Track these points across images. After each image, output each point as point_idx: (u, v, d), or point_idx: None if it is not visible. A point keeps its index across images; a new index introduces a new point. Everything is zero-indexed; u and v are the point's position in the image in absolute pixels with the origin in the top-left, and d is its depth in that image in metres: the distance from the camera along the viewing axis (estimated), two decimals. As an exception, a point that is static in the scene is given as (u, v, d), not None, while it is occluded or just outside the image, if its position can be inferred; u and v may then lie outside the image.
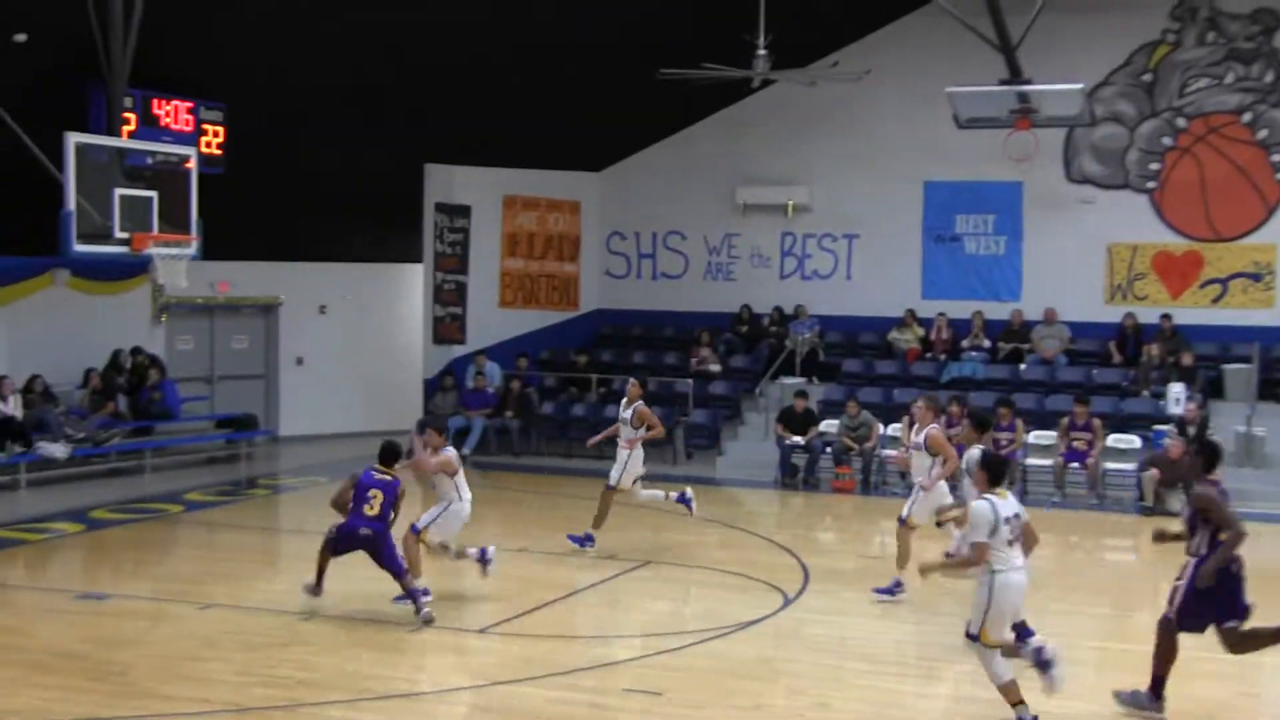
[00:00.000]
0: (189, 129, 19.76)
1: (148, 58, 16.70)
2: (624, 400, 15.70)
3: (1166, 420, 19.86)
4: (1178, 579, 9.55)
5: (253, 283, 24.03)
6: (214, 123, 20.25)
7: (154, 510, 17.83)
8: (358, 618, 12.17)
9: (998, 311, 23.22)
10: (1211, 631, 9.51)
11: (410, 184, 23.96)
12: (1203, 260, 22.51)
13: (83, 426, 20.10)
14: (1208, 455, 9.62)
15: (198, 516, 17.51)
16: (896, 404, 21.49)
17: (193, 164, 16.81)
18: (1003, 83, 18.08)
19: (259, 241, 22.54)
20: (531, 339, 25.31)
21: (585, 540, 15.13)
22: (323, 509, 17.27)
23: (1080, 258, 22.90)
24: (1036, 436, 20.27)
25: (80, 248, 15.40)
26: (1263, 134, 22.09)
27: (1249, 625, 9.48)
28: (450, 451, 12.94)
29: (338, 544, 12.28)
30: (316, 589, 12.40)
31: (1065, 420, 19.76)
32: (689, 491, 15.57)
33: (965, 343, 23.00)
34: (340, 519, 12.26)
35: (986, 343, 22.91)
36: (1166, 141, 22.60)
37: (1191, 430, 18.89)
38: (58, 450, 19.33)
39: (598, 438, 16.22)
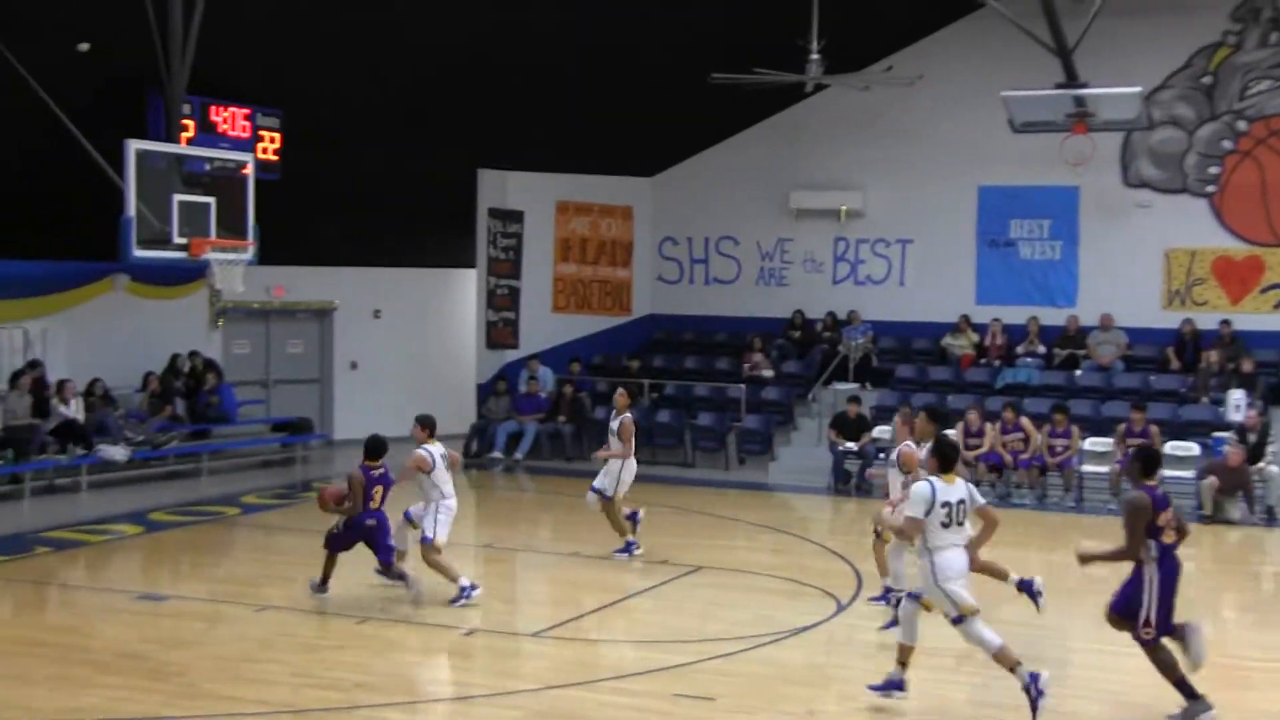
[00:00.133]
0: (246, 135, 19.96)
1: (206, 66, 16.87)
2: (613, 411, 15.59)
3: (1225, 427, 19.65)
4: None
5: (308, 287, 24.24)
6: (270, 129, 20.46)
7: (211, 513, 18.02)
8: (412, 621, 12.25)
9: (1053, 317, 23.05)
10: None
11: (464, 189, 24.07)
12: (1263, 265, 22.24)
13: (142, 429, 20.34)
14: (1146, 461, 9.77)
15: (254, 519, 17.67)
16: (950, 410, 21.38)
17: (249, 170, 16.95)
18: (1059, 86, 17.95)
19: (314, 247, 22.73)
20: (584, 344, 25.37)
21: (628, 549, 15.11)
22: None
23: (1137, 263, 22.69)
24: (1092, 443, 20.10)
25: (140, 253, 15.56)
26: (1325, 137, 21.85)
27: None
28: (427, 450, 12.97)
29: (346, 540, 12.69)
30: (323, 587, 12.84)
31: (1122, 427, 19.59)
32: (640, 513, 15.46)
33: (1020, 348, 22.84)
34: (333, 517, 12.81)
35: (1041, 349, 22.74)
36: (1226, 145, 22.36)
37: (1253, 437, 18.69)
38: (117, 453, 19.57)
39: (600, 453, 15.92)
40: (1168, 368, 22.03)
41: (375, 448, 13.02)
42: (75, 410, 19.50)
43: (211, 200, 16.27)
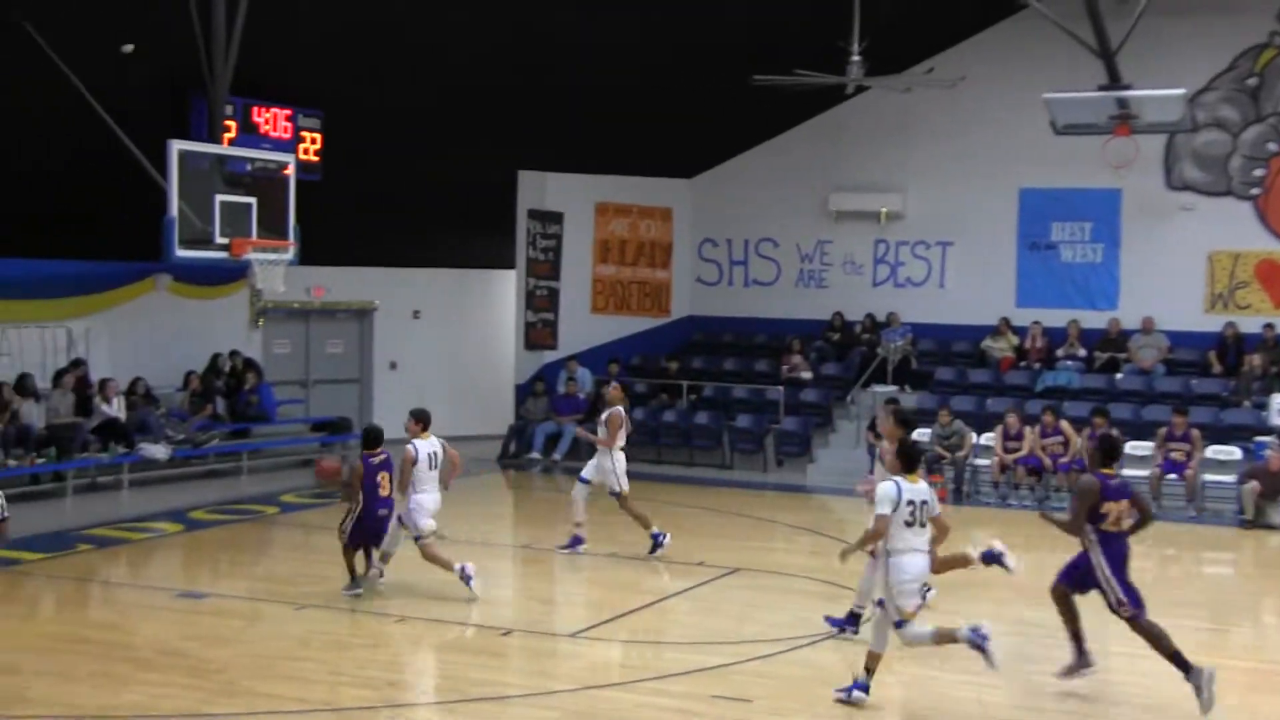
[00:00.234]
0: (287, 136, 20.06)
1: (248, 67, 16.98)
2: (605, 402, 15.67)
3: (1267, 431, 19.46)
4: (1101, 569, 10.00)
5: (348, 288, 24.35)
6: (311, 130, 20.56)
7: (250, 511, 18.13)
8: (448, 620, 12.29)
9: (1094, 320, 22.89)
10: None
11: (503, 190, 24.13)
12: (1308, 268, 22.08)
13: (182, 428, 20.49)
14: (1106, 451, 10.31)
15: (293, 518, 17.77)
16: (989, 413, 21.30)
17: (290, 170, 17.03)
18: (1102, 88, 17.81)
19: (354, 247, 22.83)
20: (623, 345, 25.38)
21: (657, 540, 15.12)
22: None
23: (1180, 266, 22.51)
24: (1133, 447, 19.90)
25: (182, 253, 15.67)
26: (1371, 140, 21.63)
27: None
28: (413, 445, 13.15)
29: (362, 534, 12.87)
30: (355, 585, 12.94)
31: (1163, 431, 19.44)
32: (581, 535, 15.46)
33: (1060, 352, 22.70)
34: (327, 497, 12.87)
35: (1082, 352, 22.59)
36: (1271, 147, 22.16)
37: (1295, 442, 18.52)
38: (158, 451, 19.72)
39: (580, 432, 15.89)
40: (1209, 371, 21.85)
41: (373, 436, 13.25)
42: (117, 409, 19.66)
43: (253, 201, 16.36)
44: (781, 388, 23.25)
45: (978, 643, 9.60)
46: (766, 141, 25.30)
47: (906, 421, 11.77)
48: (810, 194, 24.91)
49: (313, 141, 20.55)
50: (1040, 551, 15.56)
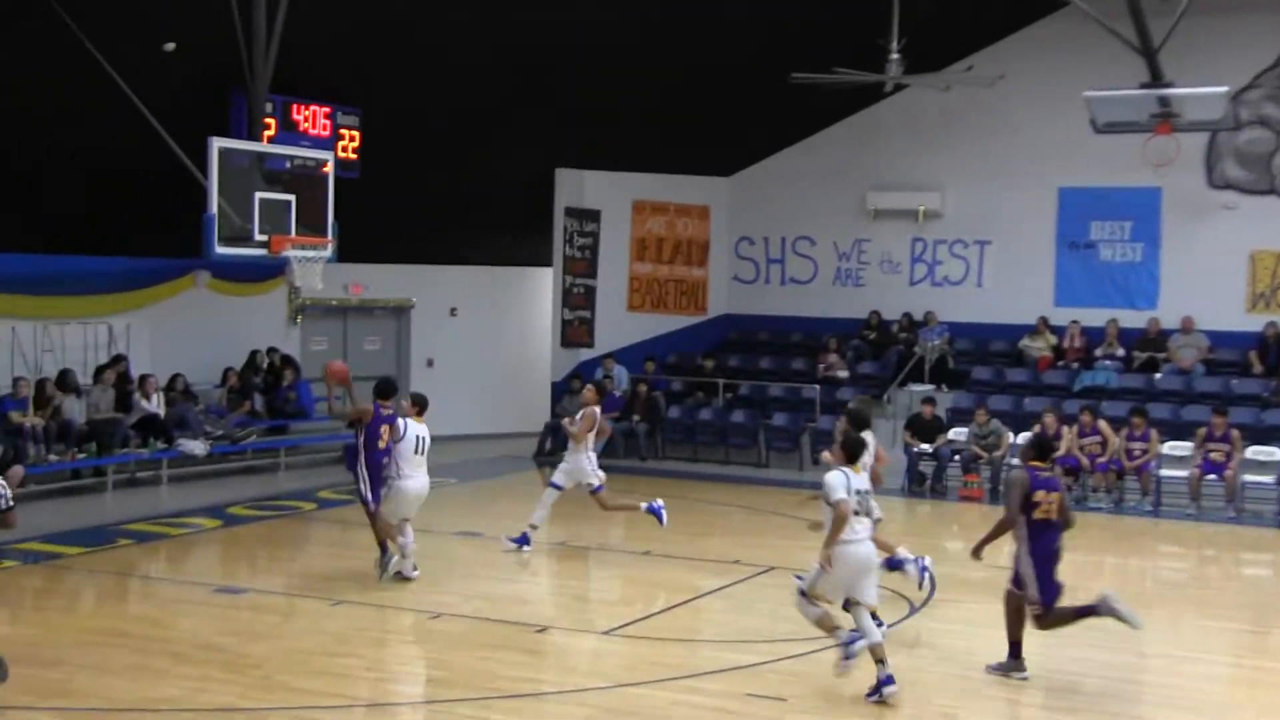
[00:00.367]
0: (326, 134, 20.15)
1: (288, 65, 17.07)
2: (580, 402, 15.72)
3: (1310, 433, 19.31)
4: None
5: (385, 285, 24.45)
6: (350, 128, 20.64)
7: (288, 507, 18.24)
8: (484, 617, 12.33)
9: (1133, 320, 22.75)
10: None
11: (541, 188, 24.17)
12: (1351, 269, 21.87)
13: (221, 424, 20.63)
14: (1038, 447, 10.90)
15: (330, 514, 17.86)
16: (1027, 412, 21.20)
17: (329, 168, 17.10)
18: (1143, 86, 17.66)
19: (392, 244, 22.91)
20: (659, 343, 25.39)
21: (655, 512, 15.32)
22: (450, 509, 17.58)
23: (1221, 265, 22.34)
24: (1171, 447, 19.83)
25: (221, 250, 15.75)
26: None
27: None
28: (402, 422, 13.48)
29: (371, 470, 13.27)
30: (386, 557, 13.37)
31: (1202, 431, 19.30)
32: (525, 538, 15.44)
33: (1099, 351, 22.57)
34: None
35: (1120, 351, 22.44)
36: (1315, 146, 21.98)
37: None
38: (197, 447, 19.86)
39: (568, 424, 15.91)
40: (1250, 371, 21.67)
41: (385, 388, 13.69)
42: (157, 405, 19.81)
43: (292, 198, 16.42)
44: (818, 386, 23.21)
45: (846, 643, 10.07)
46: (804, 140, 25.25)
47: (859, 420, 12.23)
48: (848, 192, 24.85)
49: (351, 139, 20.64)
50: (1076, 552, 15.43)
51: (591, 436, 15.39)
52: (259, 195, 16.01)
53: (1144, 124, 18.03)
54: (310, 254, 16.65)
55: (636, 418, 23.37)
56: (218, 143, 15.62)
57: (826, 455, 12.18)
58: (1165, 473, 19.55)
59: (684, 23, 20.35)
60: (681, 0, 20.03)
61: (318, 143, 19.34)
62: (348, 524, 17.26)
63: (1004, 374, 22.97)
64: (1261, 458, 19.35)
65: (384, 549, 13.45)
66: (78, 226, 18.79)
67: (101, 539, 15.63)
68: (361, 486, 13.47)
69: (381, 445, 13.36)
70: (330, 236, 16.94)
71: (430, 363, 25.10)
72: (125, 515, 17.12)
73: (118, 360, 20.09)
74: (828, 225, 25.21)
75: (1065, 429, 19.83)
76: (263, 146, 16.96)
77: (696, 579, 14.22)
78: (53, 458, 18.26)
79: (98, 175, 18.11)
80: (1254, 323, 22.07)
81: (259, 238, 16.02)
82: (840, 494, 10.02)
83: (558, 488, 15.37)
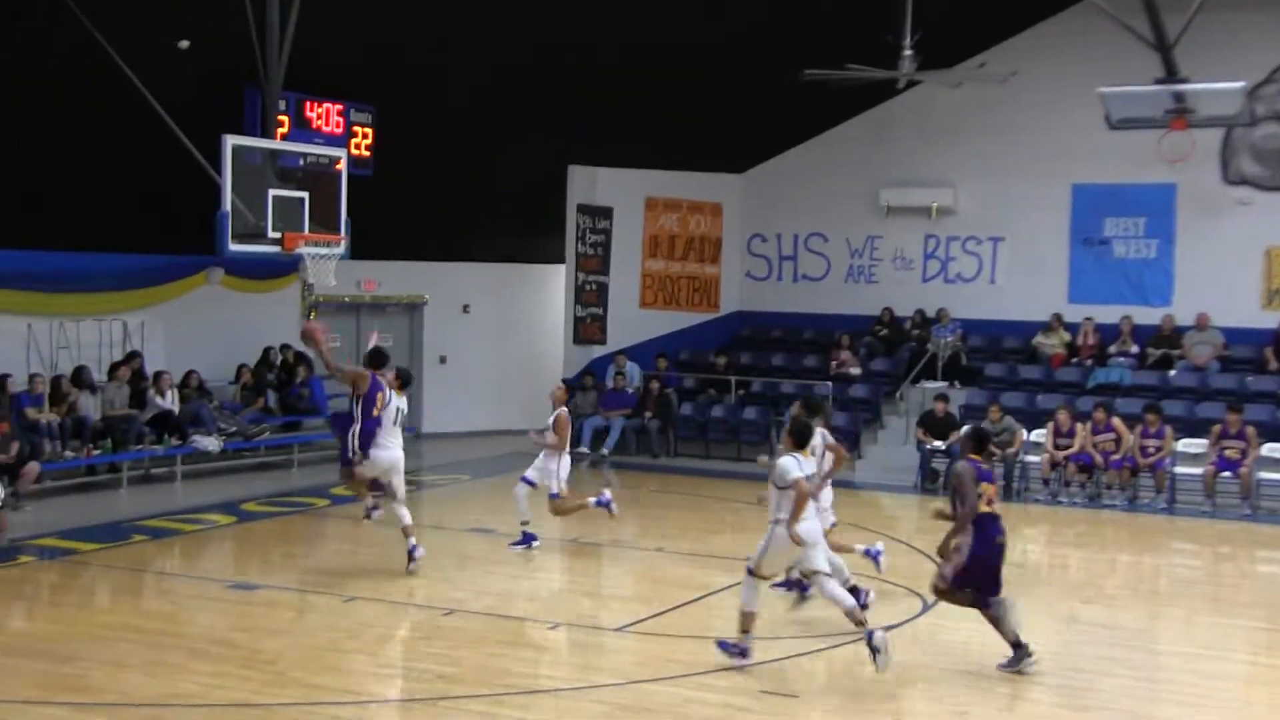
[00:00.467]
0: (339, 131, 20.20)
1: (301, 62, 17.11)
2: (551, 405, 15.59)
3: (1325, 430, 19.24)
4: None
5: (398, 282, 24.48)
6: (363, 125, 20.68)
7: (301, 504, 18.27)
8: (496, 613, 12.34)
9: (1147, 316, 22.67)
10: None
11: (553, 185, 24.18)
12: (1367, 265, 21.77)
13: (234, 421, 20.66)
14: (976, 439, 11.13)
15: (342, 511, 17.86)
16: (1040, 409, 21.16)
17: (343, 165, 17.13)
18: (1158, 82, 17.57)
19: (405, 241, 22.95)
20: (671, 340, 25.39)
21: (604, 504, 15.38)
22: (463, 505, 17.61)
23: (1236, 261, 22.25)
24: (1186, 444, 19.77)
25: (235, 247, 15.79)
26: None
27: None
28: (383, 386, 13.54)
29: (366, 444, 13.36)
30: (375, 509, 14.03)
31: (1217, 428, 19.24)
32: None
33: (1113, 348, 22.51)
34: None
35: (1135, 348, 22.37)
36: (1331, 141, 21.88)
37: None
38: (211, 444, 19.90)
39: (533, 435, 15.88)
40: (1266, 368, 21.59)
41: (378, 357, 13.88)
42: (171, 401, 19.86)
43: (305, 195, 16.46)
44: (830, 383, 23.19)
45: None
46: (817, 136, 25.22)
47: (813, 408, 12.79)
48: (861, 189, 24.81)
49: (364, 136, 20.67)
50: (1089, 549, 15.54)
51: (567, 435, 15.36)
52: (272, 192, 16.05)
53: (1159, 120, 17.94)
54: (323, 251, 16.69)
55: (649, 414, 23.37)
56: (231, 140, 15.66)
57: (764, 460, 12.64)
58: (1180, 470, 19.50)
59: (697, 19, 20.34)
60: (696, -3, 20.04)
61: (331, 140, 19.38)
62: (359, 521, 17.30)
63: (1017, 371, 22.92)
64: (1277, 455, 19.28)
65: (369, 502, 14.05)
66: (92, 223, 18.83)
67: (116, 535, 15.67)
68: (351, 441, 13.43)
69: (375, 413, 13.41)
70: (343, 233, 16.98)
71: (443, 359, 25.13)
72: (140, 511, 17.17)
73: (132, 357, 20.15)
74: (840, 222, 25.17)
75: (1079, 426, 19.80)
76: (276, 144, 17.00)
77: (709, 576, 14.20)
78: (68, 454, 18.33)
79: (113, 172, 18.16)
80: (1269, 319, 21.99)
81: (272, 235, 16.06)
82: (795, 473, 10.42)
83: (530, 484, 15.25)
